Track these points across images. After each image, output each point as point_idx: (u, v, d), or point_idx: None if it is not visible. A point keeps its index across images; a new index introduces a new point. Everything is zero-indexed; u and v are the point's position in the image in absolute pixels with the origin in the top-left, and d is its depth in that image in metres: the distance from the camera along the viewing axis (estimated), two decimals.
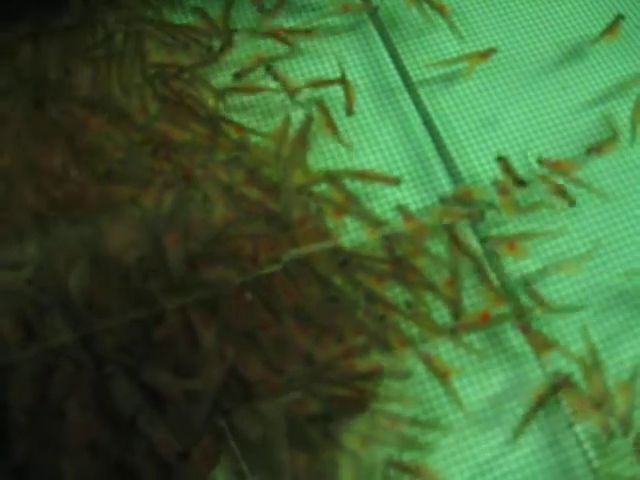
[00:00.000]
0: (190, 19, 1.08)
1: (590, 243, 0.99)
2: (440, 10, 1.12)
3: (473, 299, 0.93)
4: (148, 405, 0.79)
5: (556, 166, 1.02)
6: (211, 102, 0.99)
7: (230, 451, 0.79)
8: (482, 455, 0.86)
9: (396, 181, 0.99)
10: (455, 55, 1.11)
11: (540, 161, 1.03)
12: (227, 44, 1.05)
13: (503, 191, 1.00)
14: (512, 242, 0.96)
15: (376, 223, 0.96)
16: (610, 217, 1.02)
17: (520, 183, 1.00)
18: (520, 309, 0.93)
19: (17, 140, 0.92)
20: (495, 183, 1.01)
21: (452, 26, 1.12)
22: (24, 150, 0.91)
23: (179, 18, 1.08)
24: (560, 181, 1.01)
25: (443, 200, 1.00)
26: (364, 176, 0.99)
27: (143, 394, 0.79)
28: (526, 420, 0.87)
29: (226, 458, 0.79)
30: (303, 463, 0.81)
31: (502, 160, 1.02)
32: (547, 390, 0.88)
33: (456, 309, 0.92)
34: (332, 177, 0.97)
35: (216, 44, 1.06)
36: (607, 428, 0.87)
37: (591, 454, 0.86)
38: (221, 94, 1.01)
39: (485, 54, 1.09)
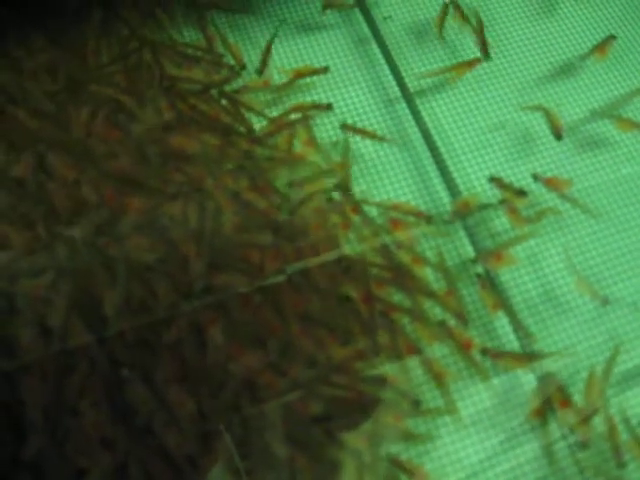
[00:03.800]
0: (200, 37, 1.10)
1: (580, 255, 1.03)
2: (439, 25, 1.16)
3: (471, 306, 0.97)
4: (162, 408, 0.81)
5: (549, 182, 1.05)
6: (223, 115, 1.02)
7: (228, 449, 0.81)
8: (476, 456, 0.88)
9: (428, 219, 1.01)
10: (451, 69, 1.14)
11: (535, 176, 1.06)
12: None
13: (506, 204, 1.03)
14: (499, 254, 1.00)
15: (375, 231, 0.98)
16: (600, 230, 1.05)
17: (521, 193, 1.03)
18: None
19: (33, 148, 0.93)
20: (495, 197, 1.04)
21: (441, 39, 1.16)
22: (40, 157, 0.93)
23: (190, 35, 1.10)
24: (553, 197, 1.05)
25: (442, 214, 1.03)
26: (394, 208, 1.01)
27: (157, 398, 0.81)
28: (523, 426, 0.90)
29: (224, 456, 0.81)
30: (304, 462, 0.82)
31: (495, 179, 1.05)
32: (541, 397, 0.91)
33: (462, 319, 0.95)
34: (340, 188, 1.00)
35: (230, 60, 1.09)
36: (586, 439, 0.90)
37: (580, 455, 0.89)
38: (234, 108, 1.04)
39: (471, 63, 1.13)
